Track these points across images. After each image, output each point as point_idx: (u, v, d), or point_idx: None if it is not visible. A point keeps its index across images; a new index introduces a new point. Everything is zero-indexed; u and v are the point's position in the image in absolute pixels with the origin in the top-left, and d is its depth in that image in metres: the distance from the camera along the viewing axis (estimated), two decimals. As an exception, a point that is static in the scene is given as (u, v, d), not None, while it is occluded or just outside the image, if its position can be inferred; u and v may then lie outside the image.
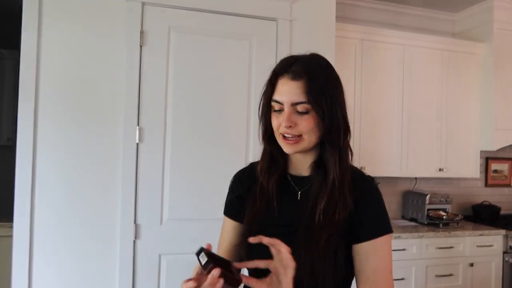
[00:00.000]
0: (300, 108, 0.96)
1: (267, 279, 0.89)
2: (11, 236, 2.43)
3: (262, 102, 1.05)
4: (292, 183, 1.06)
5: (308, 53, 1.04)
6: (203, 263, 0.84)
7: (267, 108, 1.04)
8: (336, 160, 0.98)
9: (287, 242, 0.95)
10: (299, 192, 1.04)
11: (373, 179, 1.06)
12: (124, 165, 2.40)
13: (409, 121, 3.53)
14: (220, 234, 1.18)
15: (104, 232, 2.40)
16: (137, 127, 2.42)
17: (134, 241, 2.43)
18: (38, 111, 2.29)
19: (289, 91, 0.97)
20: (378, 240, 0.96)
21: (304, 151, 1.02)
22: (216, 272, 0.82)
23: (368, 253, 0.96)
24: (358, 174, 1.05)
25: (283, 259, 0.86)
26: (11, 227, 2.40)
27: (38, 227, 2.31)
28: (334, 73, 1.02)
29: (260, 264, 0.90)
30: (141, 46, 2.42)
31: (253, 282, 0.88)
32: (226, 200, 1.17)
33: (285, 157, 1.06)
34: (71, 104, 2.35)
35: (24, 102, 2.27)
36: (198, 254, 0.87)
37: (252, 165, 1.15)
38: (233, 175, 1.18)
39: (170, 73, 2.49)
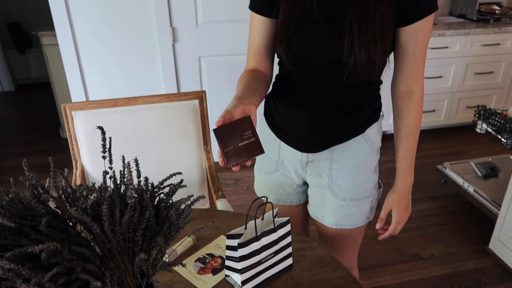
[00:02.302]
0: None
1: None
2: (56, 45, 2.53)
3: None
4: None
5: None
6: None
7: None
8: None
9: (334, 30, 0.91)
10: None
11: None
12: (151, -36, 2.25)
13: None
14: (248, 33, 1.08)
15: (143, 37, 2.43)
16: None
17: (173, 45, 2.48)
18: None
19: None
20: (428, 18, 0.92)
21: None
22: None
23: (419, 32, 0.93)
24: None
25: None
26: (54, 35, 2.47)
27: (80, 38, 2.36)
28: None
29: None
30: None
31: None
32: None
33: None
34: None
35: None
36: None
37: None
38: None
39: None
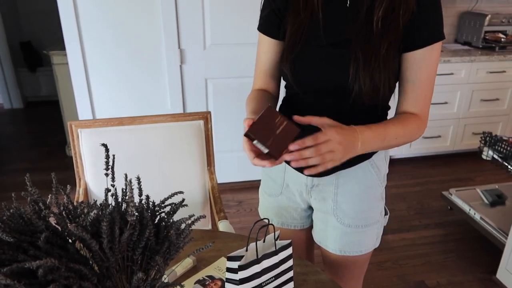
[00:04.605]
0: None
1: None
2: (66, 64, 2.58)
3: None
4: None
5: None
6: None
7: None
8: None
9: (339, 56, 0.92)
10: None
11: None
12: (162, -12, 2.31)
13: None
14: (256, 54, 1.10)
15: (152, 58, 2.47)
16: None
17: (181, 66, 2.51)
18: None
19: None
20: (432, 47, 0.91)
21: None
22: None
23: (421, 60, 0.92)
24: None
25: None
26: (65, 55, 2.52)
27: (89, 57, 2.41)
28: None
29: (314, 120, 0.86)
30: None
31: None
32: (261, 15, 1.05)
33: None
34: None
35: None
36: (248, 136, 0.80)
37: None
38: None
39: None
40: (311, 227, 1.21)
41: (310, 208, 1.17)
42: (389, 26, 0.88)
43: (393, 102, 1.05)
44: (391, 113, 1.08)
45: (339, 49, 0.93)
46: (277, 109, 1.13)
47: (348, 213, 1.08)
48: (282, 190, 1.16)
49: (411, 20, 0.88)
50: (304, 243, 1.27)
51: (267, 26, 1.04)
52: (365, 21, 0.89)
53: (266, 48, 1.06)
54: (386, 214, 1.15)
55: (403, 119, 0.97)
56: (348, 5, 0.93)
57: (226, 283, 0.94)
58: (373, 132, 0.91)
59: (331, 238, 1.12)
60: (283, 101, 1.13)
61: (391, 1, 0.87)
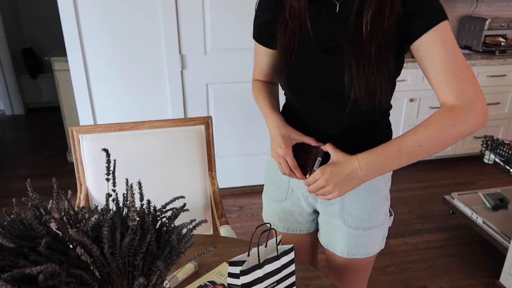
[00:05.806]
0: None
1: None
2: (67, 70, 2.59)
3: None
4: None
5: None
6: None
7: None
8: None
9: (332, 62, 0.92)
10: (338, 4, 0.92)
11: None
12: (162, -6, 2.32)
13: None
14: (253, 56, 1.13)
15: (152, 64, 2.48)
16: (171, -50, 2.24)
17: (181, 71, 2.52)
18: None
19: None
20: (436, 28, 0.85)
21: None
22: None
23: (428, 46, 0.86)
24: None
25: None
26: (66, 61, 2.53)
27: (90, 63, 2.41)
28: None
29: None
30: None
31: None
32: (254, 24, 1.07)
33: None
34: None
35: None
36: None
37: None
38: None
39: None
40: (316, 231, 1.21)
41: (316, 212, 1.17)
42: (377, 29, 0.87)
43: (396, 103, 1.05)
44: (392, 113, 1.08)
45: (332, 56, 0.92)
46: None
47: (355, 215, 1.07)
48: (287, 195, 1.15)
49: (404, 15, 0.86)
50: (309, 248, 1.26)
51: (260, 36, 1.07)
52: (355, 27, 0.89)
53: (262, 55, 1.09)
54: (391, 215, 1.15)
55: (428, 120, 0.90)
56: (337, 11, 0.93)
57: (228, 289, 0.93)
58: (379, 154, 0.91)
59: (338, 241, 1.12)
60: (283, 107, 1.13)
61: (378, 3, 0.86)
